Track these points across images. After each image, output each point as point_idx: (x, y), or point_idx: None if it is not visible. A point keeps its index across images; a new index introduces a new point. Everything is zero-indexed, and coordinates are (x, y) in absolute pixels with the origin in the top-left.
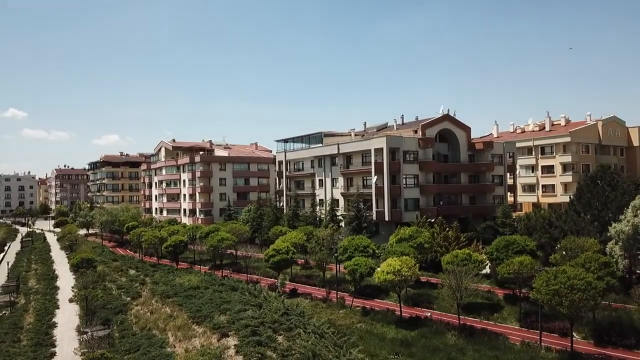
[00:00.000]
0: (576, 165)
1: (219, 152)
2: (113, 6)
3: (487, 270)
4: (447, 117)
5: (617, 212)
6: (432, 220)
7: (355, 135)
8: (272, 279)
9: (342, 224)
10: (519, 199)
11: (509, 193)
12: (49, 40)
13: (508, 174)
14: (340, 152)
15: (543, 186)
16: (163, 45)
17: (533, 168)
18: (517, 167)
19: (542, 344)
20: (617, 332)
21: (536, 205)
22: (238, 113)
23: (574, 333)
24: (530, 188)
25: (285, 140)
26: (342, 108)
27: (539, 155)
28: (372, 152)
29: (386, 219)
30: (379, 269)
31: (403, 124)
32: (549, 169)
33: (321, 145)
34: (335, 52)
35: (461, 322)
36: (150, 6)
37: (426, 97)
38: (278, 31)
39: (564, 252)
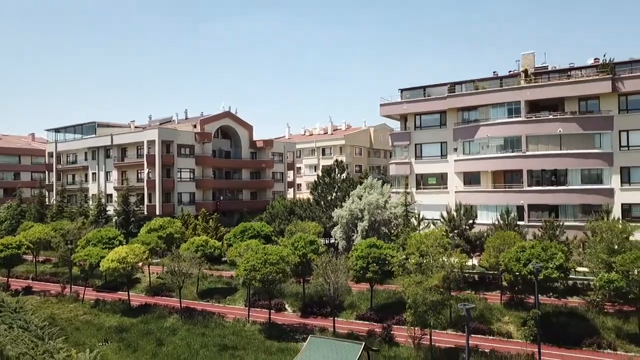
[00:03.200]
0: (350, 165)
1: None
2: None
3: None
4: (228, 114)
5: (344, 200)
6: (197, 213)
7: (136, 127)
8: (3, 278)
9: (115, 219)
10: (305, 196)
11: (289, 189)
12: None
13: (289, 172)
14: (114, 143)
15: None
16: None
17: (316, 167)
18: (303, 166)
19: (253, 319)
20: (319, 303)
21: None
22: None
23: (287, 307)
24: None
25: (57, 130)
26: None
27: (321, 156)
28: (145, 144)
29: (157, 213)
30: (105, 257)
31: (186, 118)
32: None
33: (94, 135)
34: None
35: (190, 306)
36: None
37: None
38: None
39: (290, 234)
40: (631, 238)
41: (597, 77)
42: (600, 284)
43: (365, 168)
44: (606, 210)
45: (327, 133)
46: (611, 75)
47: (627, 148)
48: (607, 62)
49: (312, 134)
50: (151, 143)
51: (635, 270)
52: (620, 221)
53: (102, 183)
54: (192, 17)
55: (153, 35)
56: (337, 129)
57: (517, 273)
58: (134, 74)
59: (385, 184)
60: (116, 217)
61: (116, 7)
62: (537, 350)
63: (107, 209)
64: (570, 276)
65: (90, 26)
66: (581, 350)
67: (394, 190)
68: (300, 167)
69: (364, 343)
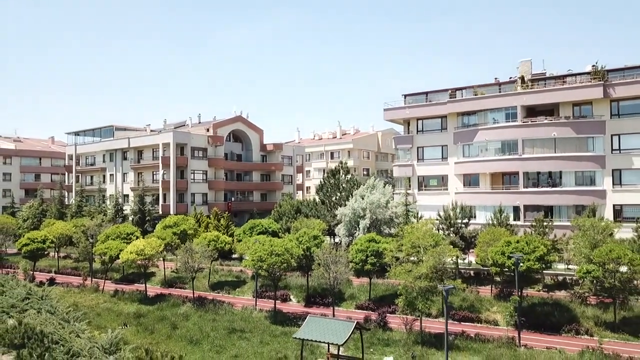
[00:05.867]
0: (358, 169)
1: (4, 145)
2: None
3: None
4: (239, 119)
5: (347, 200)
6: (210, 213)
7: (152, 131)
8: (31, 271)
9: (131, 218)
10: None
11: (298, 191)
12: None
13: (299, 174)
14: (130, 146)
15: None
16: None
17: (324, 170)
18: (312, 169)
19: (260, 307)
20: (321, 294)
21: None
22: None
23: (292, 297)
24: None
25: (77, 133)
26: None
27: (329, 159)
28: (160, 146)
29: (171, 212)
30: (124, 250)
31: (200, 122)
32: None
33: (112, 138)
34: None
35: (202, 296)
36: None
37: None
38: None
39: (296, 231)
40: (622, 236)
41: (589, 83)
42: (580, 275)
43: (372, 171)
44: (592, 209)
45: (335, 137)
46: (602, 82)
47: (618, 151)
48: (599, 69)
49: (321, 138)
50: (166, 146)
51: (611, 263)
52: (604, 219)
53: (119, 184)
54: (206, 24)
55: (168, 42)
56: (345, 133)
57: (502, 265)
58: (149, 79)
59: (388, 185)
60: (132, 216)
61: (132, 13)
62: (523, 335)
63: (124, 208)
64: (560, 272)
65: (107, 34)
66: (560, 336)
67: (397, 191)
68: (309, 170)
69: (356, 321)
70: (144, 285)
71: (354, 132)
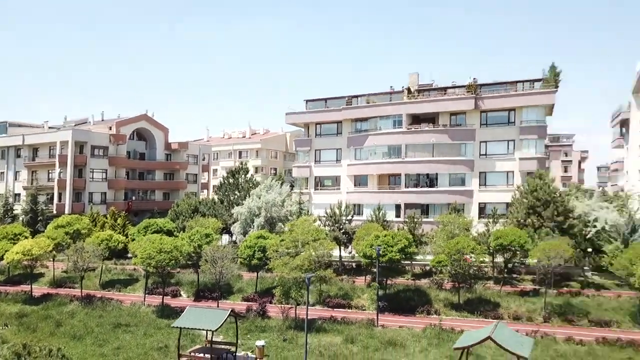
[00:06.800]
0: (265, 168)
1: None
2: None
3: None
4: (144, 117)
5: (245, 200)
6: (111, 212)
7: (50, 128)
8: None
9: (21, 218)
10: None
11: (203, 190)
12: None
13: (205, 173)
14: (25, 143)
15: None
16: None
17: None
18: (220, 168)
19: (149, 303)
20: (211, 289)
21: None
22: None
23: (182, 293)
24: None
25: None
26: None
27: (237, 159)
28: (58, 144)
29: (67, 212)
30: (10, 250)
31: (102, 120)
32: None
33: (5, 135)
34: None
35: (92, 294)
36: None
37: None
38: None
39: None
40: (482, 230)
41: (463, 96)
42: (433, 264)
43: (280, 171)
44: (454, 207)
45: (245, 137)
46: (474, 95)
47: (485, 156)
48: (472, 83)
49: (230, 137)
50: (64, 144)
51: (456, 253)
52: (462, 216)
53: (10, 182)
54: (121, 24)
55: (76, 44)
56: (255, 133)
57: (370, 256)
58: (51, 73)
59: (285, 185)
60: (23, 216)
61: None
62: (383, 317)
63: (15, 208)
64: (427, 262)
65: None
66: (414, 316)
67: (295, 190)
68: (217, 169)
69: (230, 309)
70: (29, 285)
71: (263, 132)
